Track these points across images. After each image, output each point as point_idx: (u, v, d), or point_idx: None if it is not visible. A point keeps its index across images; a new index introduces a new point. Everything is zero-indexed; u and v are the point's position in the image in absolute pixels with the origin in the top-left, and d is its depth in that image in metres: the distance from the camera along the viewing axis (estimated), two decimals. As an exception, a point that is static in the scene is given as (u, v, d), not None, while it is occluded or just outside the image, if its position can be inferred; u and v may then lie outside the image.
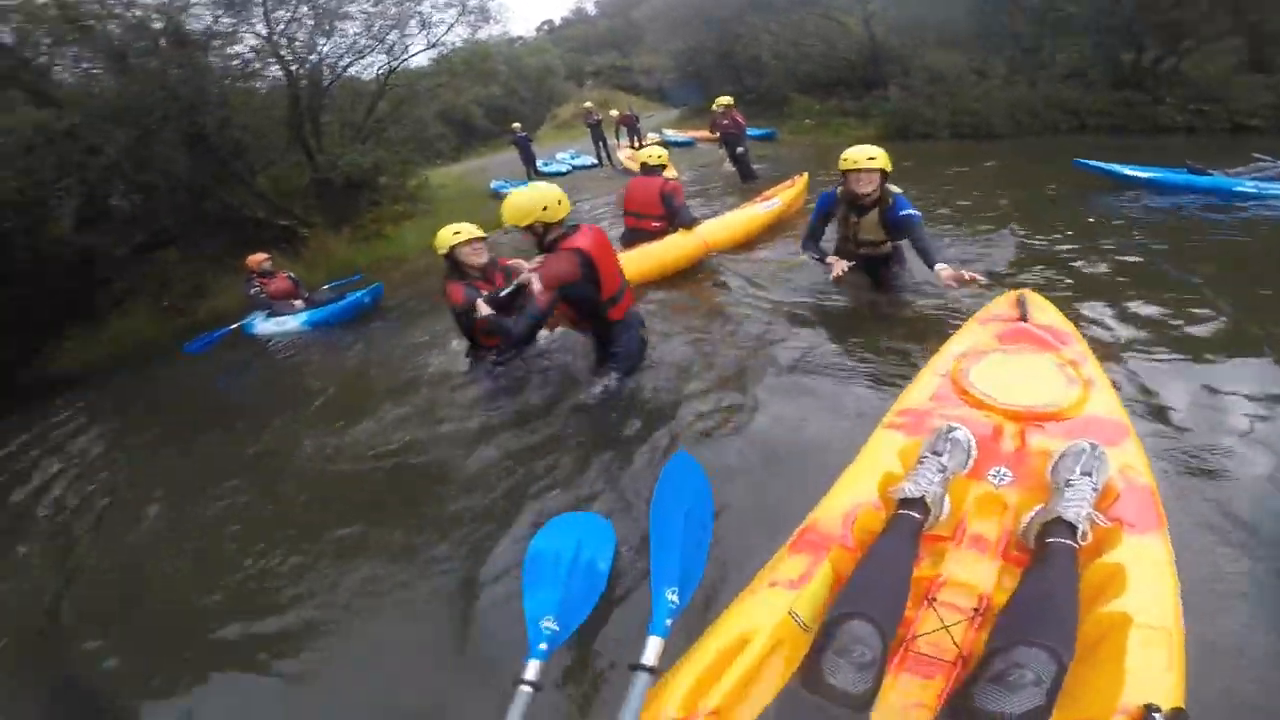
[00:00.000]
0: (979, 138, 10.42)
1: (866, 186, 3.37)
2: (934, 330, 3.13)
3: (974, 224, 5.26)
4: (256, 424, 4.14)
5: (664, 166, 5.46)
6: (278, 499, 3.12)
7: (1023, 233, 4.82)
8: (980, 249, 4.50)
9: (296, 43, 9.30)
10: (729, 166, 8.96)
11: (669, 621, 1.52)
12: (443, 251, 3.41)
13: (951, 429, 1.68)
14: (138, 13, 8.31)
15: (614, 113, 14.17)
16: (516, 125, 13.16)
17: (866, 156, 3.32)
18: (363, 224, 9.77)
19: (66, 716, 2.15)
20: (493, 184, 12.15)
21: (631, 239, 5.22)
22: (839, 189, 3.57)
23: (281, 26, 9.06)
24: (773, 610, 1.38)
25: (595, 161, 13.45)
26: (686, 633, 1.49)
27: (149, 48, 8.14)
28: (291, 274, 6.74)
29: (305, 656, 2.04)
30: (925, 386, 2.04)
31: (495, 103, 24.10)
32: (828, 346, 3.28)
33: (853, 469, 1.77)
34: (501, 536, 2.32)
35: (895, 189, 3.47)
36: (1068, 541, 1.33)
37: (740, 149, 8.68)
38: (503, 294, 3.22)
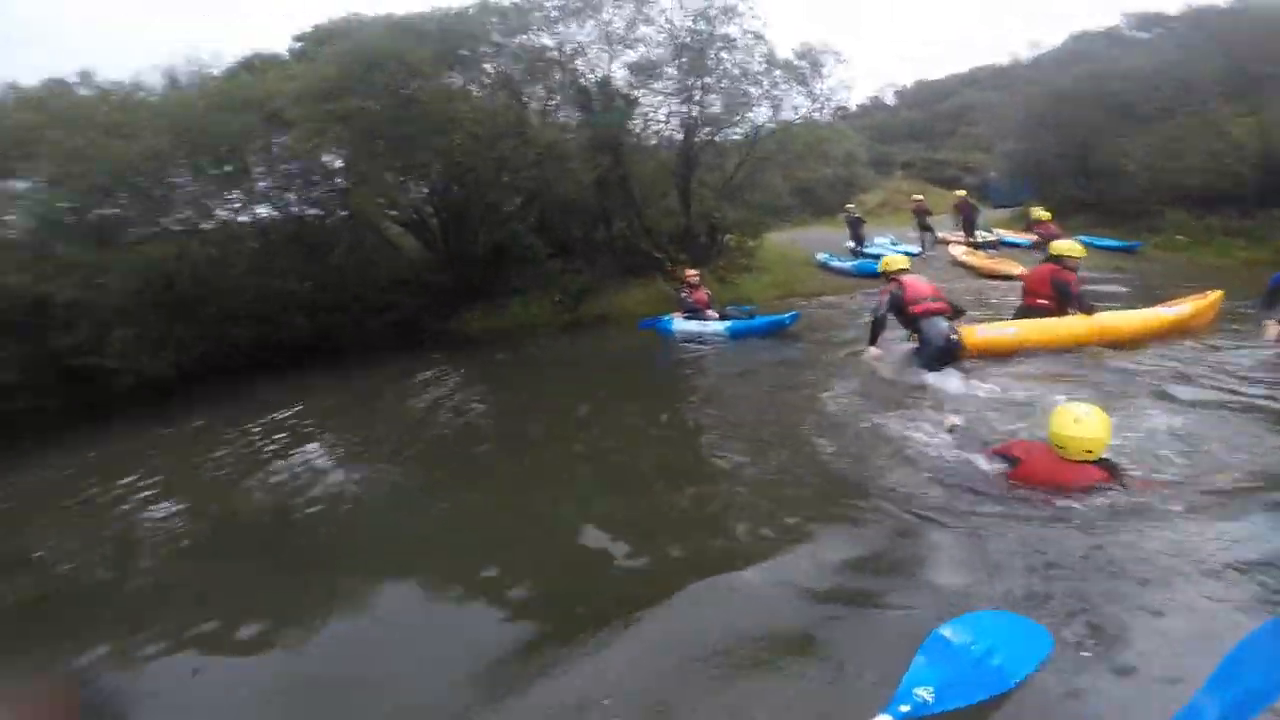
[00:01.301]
0: None
1: None
2: None
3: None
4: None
5: (1062, 258, 5.73)
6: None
7: None
8: None
9: (707, 109, 11.39)
10: None
11: None
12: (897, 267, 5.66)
13: None
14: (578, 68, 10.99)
15: (959, 192, 14.37)
16: (851, 206, 14.32)
17: None
18: (713, 269, 11.50)
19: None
20: (819, 256, 13.42)
21: (1024, 313, 5.89)
22: None
23: (697, 95, 11.27)
24: None
25: (919, 250, 13.39)
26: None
27: (609, 100, 10.67)
28: (709, 291, 8.52)
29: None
30: None
31: (799, 183, 25.80)
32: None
33: None
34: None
35: None
36: None
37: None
38: None
